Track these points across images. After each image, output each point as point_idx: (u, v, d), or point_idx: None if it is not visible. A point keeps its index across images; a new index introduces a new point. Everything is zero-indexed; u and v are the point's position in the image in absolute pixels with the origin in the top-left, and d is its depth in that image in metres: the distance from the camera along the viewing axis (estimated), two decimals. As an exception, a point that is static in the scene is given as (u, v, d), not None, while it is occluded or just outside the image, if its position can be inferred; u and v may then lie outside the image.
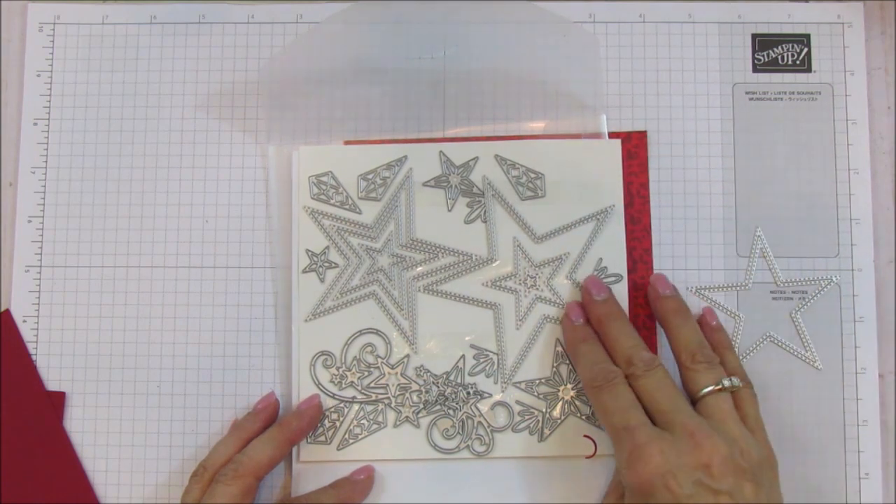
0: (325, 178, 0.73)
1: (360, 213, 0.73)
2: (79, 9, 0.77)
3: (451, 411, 0.71)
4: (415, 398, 0.72)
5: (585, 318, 0.70)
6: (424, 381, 0.72)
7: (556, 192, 0.73)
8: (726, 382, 0.65)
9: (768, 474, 0.62)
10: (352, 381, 0.72)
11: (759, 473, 0.61)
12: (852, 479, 0.72)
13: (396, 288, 0.72)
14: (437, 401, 0.72)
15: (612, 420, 0.64)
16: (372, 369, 0.72)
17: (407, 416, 0.71)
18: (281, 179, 0.74)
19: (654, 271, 0.74)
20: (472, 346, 0.72)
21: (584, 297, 0.71)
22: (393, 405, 0.72)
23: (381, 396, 0.72)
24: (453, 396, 0.72)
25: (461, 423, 0.71)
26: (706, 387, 0.64)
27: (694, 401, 0.65)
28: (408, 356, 0.72)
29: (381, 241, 0.73)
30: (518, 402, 0.71)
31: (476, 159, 0.73)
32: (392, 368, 0.72)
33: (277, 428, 0.69)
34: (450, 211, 0.73)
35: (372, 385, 0.72)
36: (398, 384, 0.72)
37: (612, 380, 0.65)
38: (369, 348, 0.72)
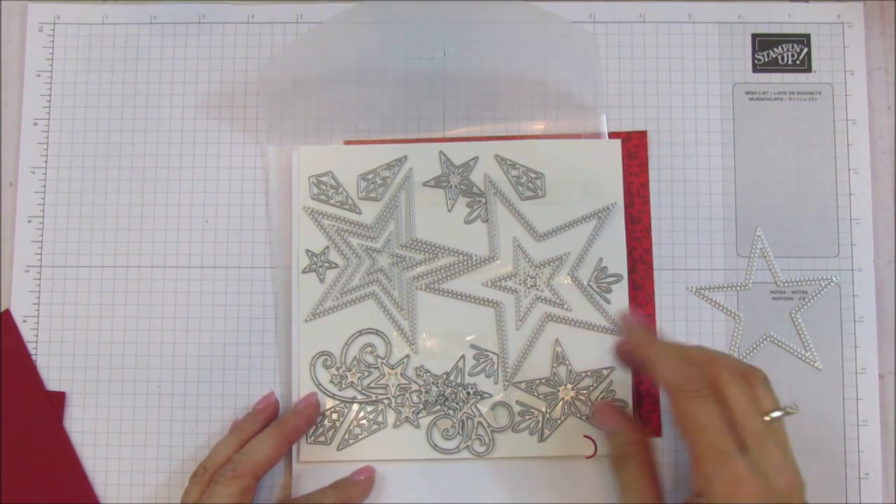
0: (325, 178, 0.73)
1: (359, 213, 0.73)
2: (79, 9, 0.77)
3: (451, 411, 0.71)
4: (415, 398, 0.72)
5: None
6: (424, 381, 0.72)
7: (557, 192, 0.73)
8: (790, 408, 0.62)
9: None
10: (352, 382, 0.72)
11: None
12: (852, 479, 0.72)
13: (396, 288, 0.72)
14: (436, 401, 0.72)
15: (704, 437, 0.59)
16: (372, 369, 0.72)
17: (407, 417, 0.71)
18: (281, 179, 0.74)
19: (655, 271, 0.74)
20: (473, 347, 0.72)
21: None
22: (393, 405, 0.72)
23: (380, 397, 0.72)
24: (453, 397, 0.72)
25: (461, 424, 0.71)
26: (772, 411, 0.61)
27: None
28: (408, 356, 0.72)
29: (381, 242, 0.73)
30: (518, 403, 0.71)
31: (476, 159, 0.73)
32: (392, 369, 0.72)
33: (275, 427, 0.69)
34: (450, 211, 0.73)
35: (372, 385, 0.72)
36: (398, 384, 0.72)
37: (702, 390, 0.60)
38: (369, 348, 0.72)
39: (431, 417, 0.71)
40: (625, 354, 0.69)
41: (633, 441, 0.66)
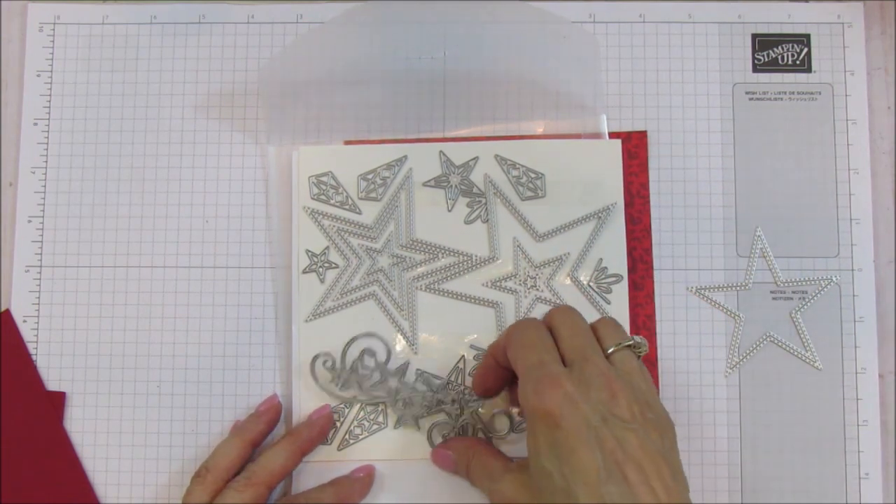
0: (325, 179, 0.73)
1: (360, 213, 0.73)
2: (79, 9, 0.77)
3: (451, 417, 0.71)
4: (415, 403, 0.71)
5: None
6: (425, 386, 0.72)
7: (557, 192, 0.73)
8: (637, 338, 0.62)
9: (670, 434, 0.60)
10: (352, 385, 0.72)
11: (663, 429, 0.59)
12: (852, 479, 0.72)
13: (396, 288, 0.72)
14: (437, 404, 0.71)
15: (527, 355, 0.61)
16: (372, 374, 0.72)
17: (407, 421, 0.71)
18: (281, 179, 0.74)
19: (655, 271, 0.73)
20: (472, 347, 0.72)
21: None
22: (394, 410, 0.71)
23: (380, 400, 0.71)
24: (453, 403, 0.71)
25: (461, 429, 0.71)
26: (614, 344, 0.62)
27: None
28: (408, 362, 0.72)
29: (381, 242, 0.73)
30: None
31: (476, 159, 0.73)
32: (392, 374, 0.72)
33: (289, 438, 0.69)
34: (450, 211, 0.73)
35: (372, 388, 0.72)
36: (398, 389, 0.72)
37: (530, 322, 0.64)
38: (368, 353, 0.72)
39: (432, 420, 0.71)
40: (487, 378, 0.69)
41: (469, 444, 0.69)
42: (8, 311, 0.74)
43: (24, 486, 0.72)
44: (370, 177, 0.73)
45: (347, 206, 0.73)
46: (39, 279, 0.75)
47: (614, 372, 0.59)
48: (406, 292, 0.72)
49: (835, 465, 0.72)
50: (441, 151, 0.74)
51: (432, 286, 0.72)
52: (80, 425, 0.73)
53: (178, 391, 0.73)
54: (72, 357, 0.74)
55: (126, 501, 0.72)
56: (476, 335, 0.72)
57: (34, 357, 0.74)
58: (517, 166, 0.73)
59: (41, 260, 0.75)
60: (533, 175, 0.73)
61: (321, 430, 0.70)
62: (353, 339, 0.72)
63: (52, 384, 0.74)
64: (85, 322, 0.74)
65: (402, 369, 0.72)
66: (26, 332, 0.74)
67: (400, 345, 0.72)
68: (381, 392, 0.71)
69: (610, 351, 0.61)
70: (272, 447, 0.68)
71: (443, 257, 0.73)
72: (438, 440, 0.71)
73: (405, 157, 0.74)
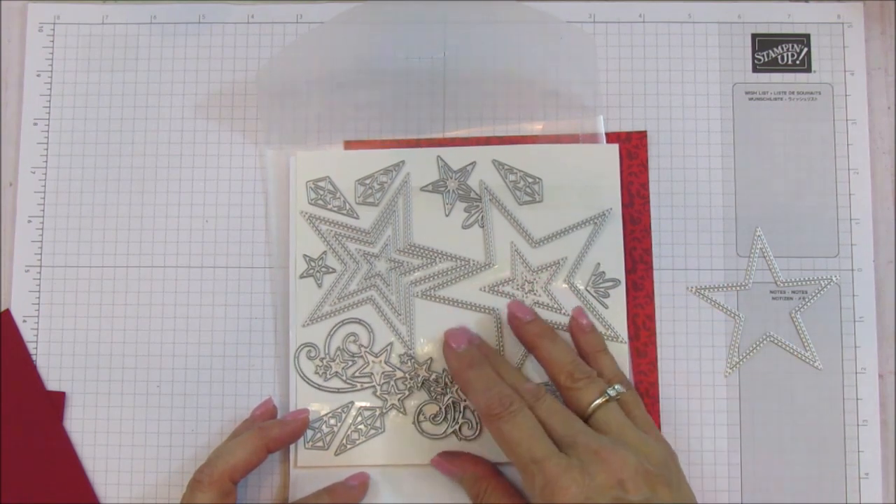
0: (322, 184, 0.73)
1: (357, 218, 0.73)
2: (79, 9, 0.77)
3: (437, 396, 0.71)
4: (400, 385, 0.72)
5: (468, 342, 0.69)
6: (409, 367, 0.72)
7: (554, 196, 0.73)
8: (612, 392, 0.63)
9: (675, 471, 0.61)
10: (336, 372, 0.72)
11: (668, 473, 0.60)
12: (852, 479, 0.72)
13: (394, 293, 0.72)
14: (422, 386, 0.71)
15: (517, 451, 0.61)
16: (356, 358, 0.72)
17: (393, 404, 0.71)
18: (279, 183, 0.74)
19: (655, 271, 0.73)
20: (470, 350, 0.72)
21: (513, 321, 0.70)
22: (378, 393, 0.71)
23: (366, 385, 0.72)
24: (438, 381, 0.71)
25: (447, 409, 0.71)
26: (592, 402, 0.63)
27: (584, 418, 0.63)
28: (391, 344, 0.72)
29: (378, 247, 0.73)
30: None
31: (474, 164, 0.73)
32: (376, 357, 0.72)
33: (256, 432, 0.67)
34: (447, 216, 0.73)
35: (356, 374, 0.72)
36: (382, 372, 0.72)
37: (510, 406, 0.62)
38: (352, 338, 0.72)
39: (418, 403, 0.71)
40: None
41: (483, 475, 0.69)
42: (8, 311, 0.74)
43: (25, 486, 0.72)
44: (368, 181, 0.73)
45: (345, 211, 0.73)
46: (39, 279, 0.75)
47: (607, 445, 0.60)
48: (404, 297, 0.72)
49: (835, 465, 0.72)
50: (439, 156, 0.74)
51: (430, 291, 0.72)
52: (80, 425, 0.73)
53: (178, 391, 0.74)
54: (72, 357, 0.74)
55: (126, 501, 0.73)
56: (474, 339, 0.72)
57: (34, 357, 0.74)
58: (514, 171, 0.73)
59: (41, 260, 0.75)
60: (530, 180, 0.73)
61: (292, 432, 0.70)
62: (336, 326, 0.72)
63: (52, 384, 0.74)
64: (85, 322, 0.74)
65: (387, 349, 0.72)
66: (26, 332, 0.74)
67: (397, 347, 0.72)
68: (366, 377, 0.71)
69: (589, 411, 0.63)
70: (237, 440, 0.67)
71: (440, 262, 0.73)
72: (426, 424, 0.71)
73: (403, 161, 0.74)
